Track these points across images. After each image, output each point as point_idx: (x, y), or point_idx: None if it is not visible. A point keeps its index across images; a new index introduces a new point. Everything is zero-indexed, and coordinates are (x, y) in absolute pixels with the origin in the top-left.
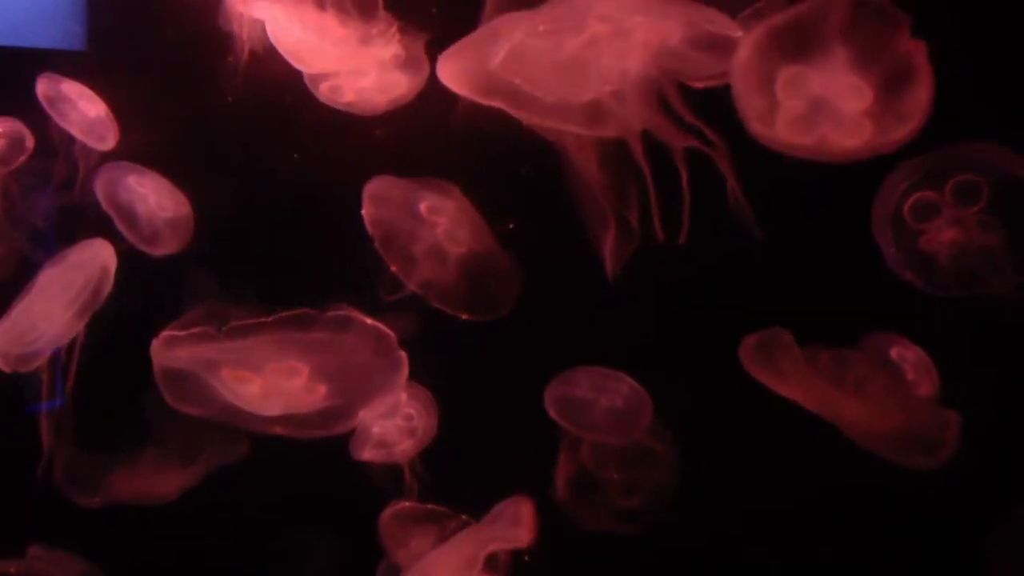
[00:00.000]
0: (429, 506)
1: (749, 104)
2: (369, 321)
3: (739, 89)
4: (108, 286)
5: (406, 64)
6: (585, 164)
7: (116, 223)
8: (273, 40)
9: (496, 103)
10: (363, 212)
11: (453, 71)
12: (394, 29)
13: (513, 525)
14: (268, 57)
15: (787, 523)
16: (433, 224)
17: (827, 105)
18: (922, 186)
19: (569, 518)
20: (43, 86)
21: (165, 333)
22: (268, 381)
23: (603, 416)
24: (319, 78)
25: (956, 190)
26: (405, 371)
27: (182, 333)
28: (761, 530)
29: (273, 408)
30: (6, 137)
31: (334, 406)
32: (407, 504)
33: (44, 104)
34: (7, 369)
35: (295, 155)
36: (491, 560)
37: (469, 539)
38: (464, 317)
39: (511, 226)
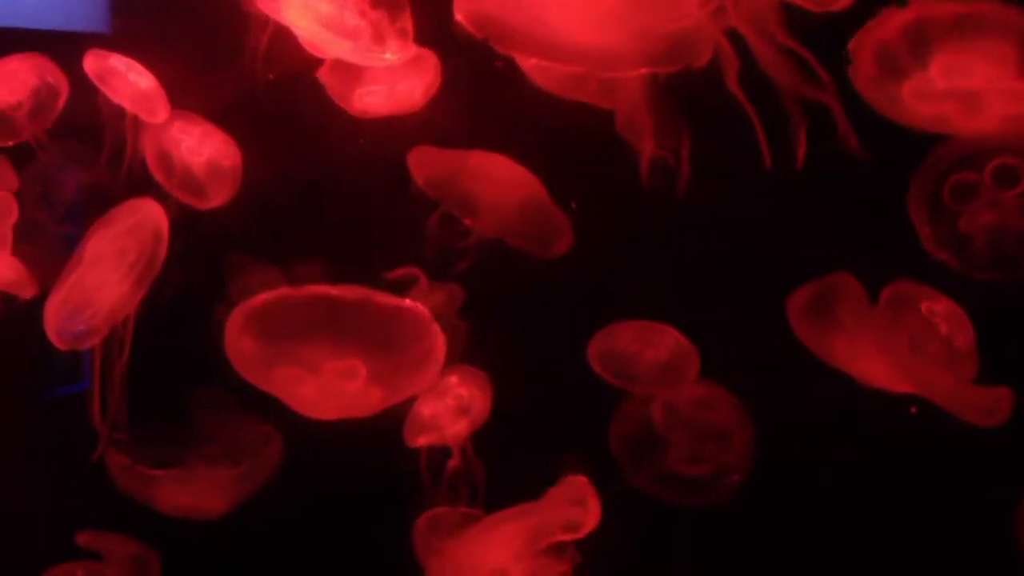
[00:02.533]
0: (464, 511)
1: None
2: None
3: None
4: (163, 251)
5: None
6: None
7: (160, 177)
8: (290, 25)
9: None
10: (415, 177)
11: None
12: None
13: (577, 509)
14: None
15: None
16: (484, 176)
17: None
18: (961, 168)
19: (621, 477)
20: (91, 61)
21: (233, 312)
22: (324, 382)
23: (648, 369)
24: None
25: (996, 173)
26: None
27: (249, 304)
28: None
29: (327, 413)
30: (40, 81)
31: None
32: (442, 510)
33: (94, 79)
34: (63, 347)
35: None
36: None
37: (527, 522)
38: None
39: (572, 205)
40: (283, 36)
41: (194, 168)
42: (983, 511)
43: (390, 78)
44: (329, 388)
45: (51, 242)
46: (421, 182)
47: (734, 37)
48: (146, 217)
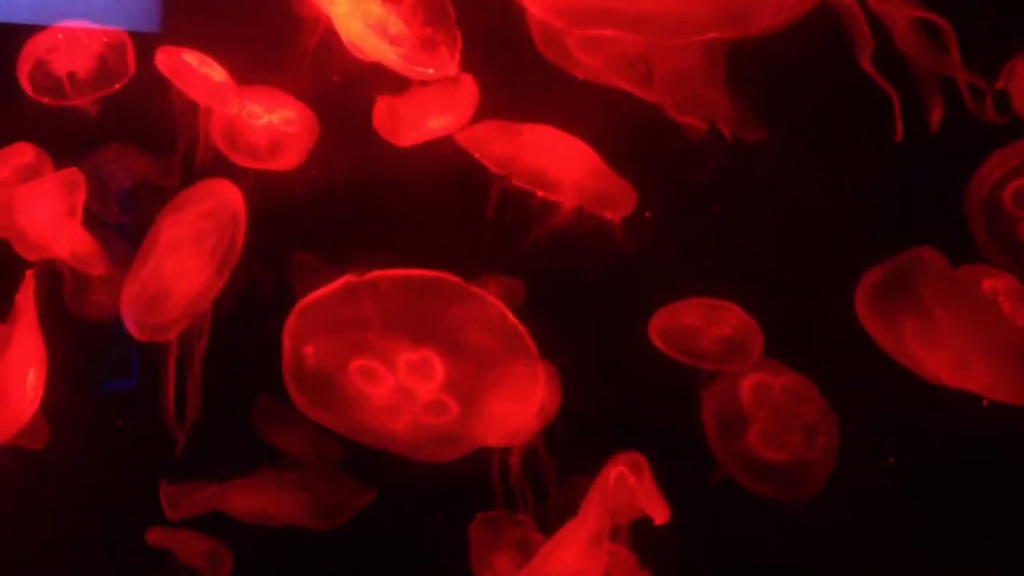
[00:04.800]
0: (517, 517)
1: None
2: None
3: None
4: (241, 237)
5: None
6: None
7: (232, 153)
8: (338, 28)
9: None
10: (477, 155)
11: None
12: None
13: (638, 492)
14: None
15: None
16: (546, 146)
17: None
18: (1020, 174)
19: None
20: (164, 56)
21: (304, 302)
22: (399, 380)
23: (712, 344)
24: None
25: None
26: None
27: (322, 293)
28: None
29: (399, 424)
30: (108, 48)
31: (461, 433)
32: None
33: (167, 74)
34: (143, 339)
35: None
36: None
37: (589, 516)
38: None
39: (647, 214)
40: (330, 40)
41: (263, 132)
42: None
43: (432, 111)
44: (402, 389)
45: (106, 234)
46: (488, 161)
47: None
48: (223, 199)
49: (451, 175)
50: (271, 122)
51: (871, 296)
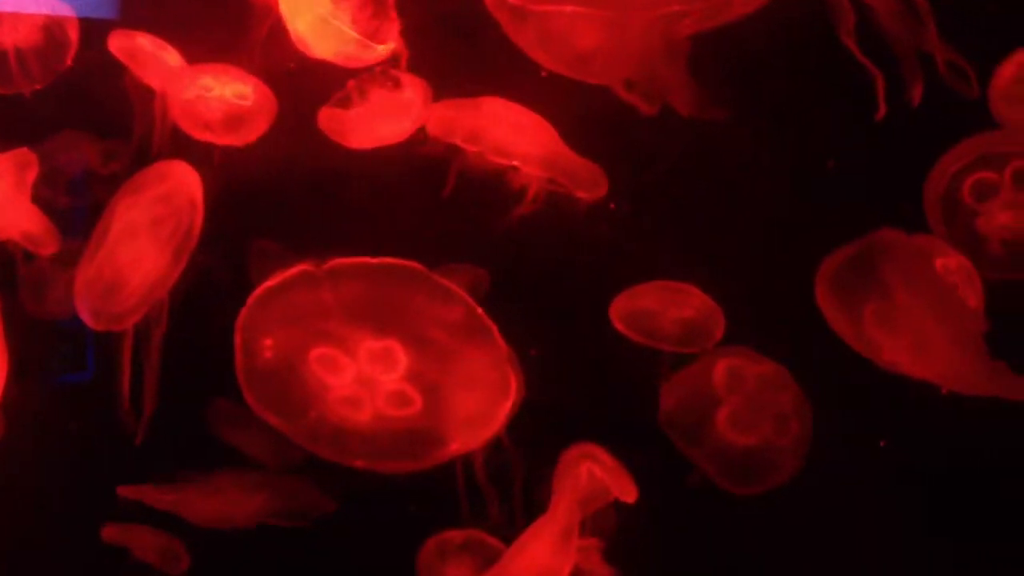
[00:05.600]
0: (471, 534)
1: None
2: (492, 326)
3: None
4: (199, 221)
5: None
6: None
7: (194, 131)
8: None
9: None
10: (441, 137)
11: None
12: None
13: (607, 482)
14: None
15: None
16: (512, 120)
17: None
18: (980, 168)
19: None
20: (118, 40)
21: (259, 291)
22: (361, 369)
23: (673, 326)
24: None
25: (1016, 174)
26: (512, 399)
27: (278, 280)
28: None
29: (361, 416)
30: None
31: (424, 428)
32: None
33: (122, 58)
34: (99, 328)
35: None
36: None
37: (559, 511)
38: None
39: (612, 207)
40: (279, 31)
41: (217, 105)
42: None
43: (382, 114)
44: (364, 379)
45: (59, 220)
46: (456, 139)
47: None
48: (179, 182)
49: (414, 162)
50: (223, 95)
51: (831, 280)
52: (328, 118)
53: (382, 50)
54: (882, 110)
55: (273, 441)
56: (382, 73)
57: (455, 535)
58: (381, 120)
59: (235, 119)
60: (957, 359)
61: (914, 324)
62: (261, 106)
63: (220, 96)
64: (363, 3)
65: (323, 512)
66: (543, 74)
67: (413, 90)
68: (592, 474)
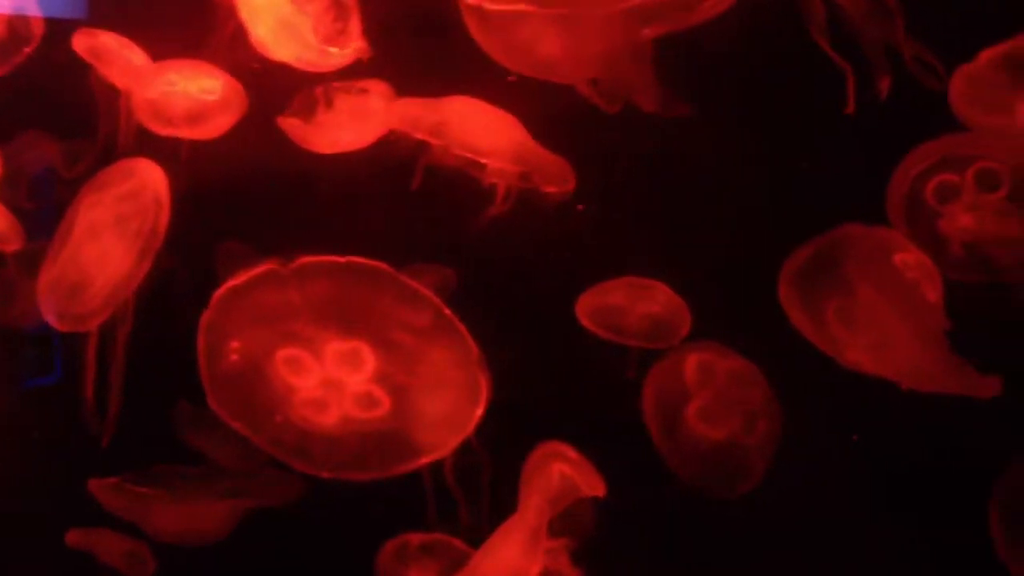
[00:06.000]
0: (430, 536)
1: None
2: (461, 326)
3: None
4: (165, 219)
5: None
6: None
7: (158, 127)
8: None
9: None
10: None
11: None
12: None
13: (576, 480)
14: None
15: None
16: (477, 116)
17: None
18: (942, 169)
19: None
20: (81, 39)
21: (223, 289)
22: (328, 371)
23: (640, 322)
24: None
25: (978, 176)
26: (482, 401)
27: (244, 279)
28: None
29: (328, 418)
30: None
31: (393, 430)
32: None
33: (86, 56)
34: (64, 329)
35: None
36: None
37: (529, 512)
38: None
39: (580, 208)
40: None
41: (181, 100)
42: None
43: (348, 124)
44: (330, 381)
45: (21, 221)
46: (420, 132)
47: None
48: (144, 180)
49: (383, 161)
50: (188, 90)
51: (794, 279)
52: (293, 127)
53: (342, 57)
54: (851, 106)
55: (239, 444)
56: (348, 84)
57: (414, 538)
58: (346, 129)
59: (201, 114)
60: (920, 355)
61: (877, 320)
62: (229, 101)
63: (185, 91)
64: (326, 7)
65: (290, 515)
66: (511, 79)
67: (379, 98)
68: (561, 473)
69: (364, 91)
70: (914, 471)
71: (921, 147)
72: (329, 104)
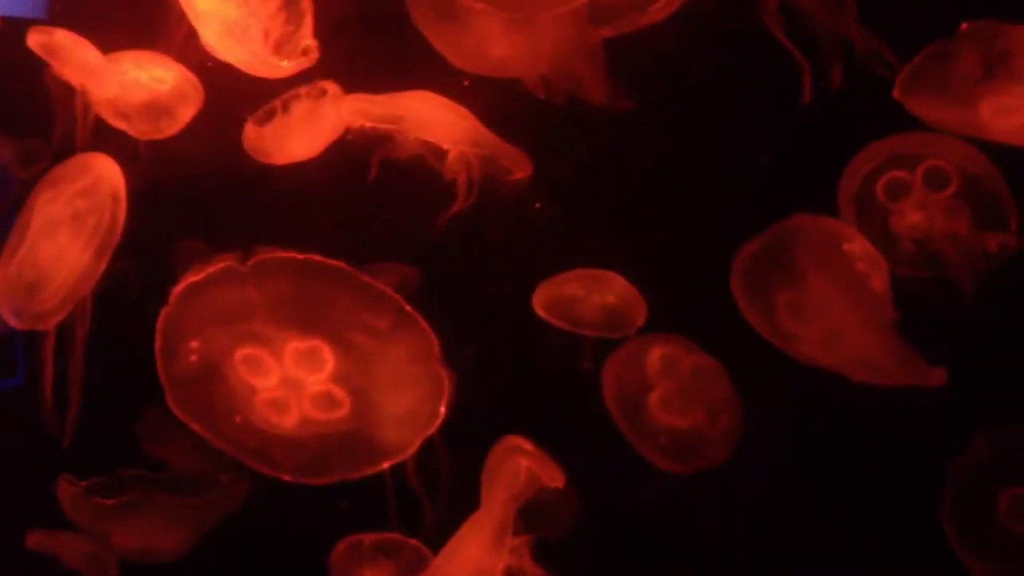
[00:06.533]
0: (385, 536)
1: None
2: (422, 323)
3: None
4: (122, 215)
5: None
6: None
7: (118, 122)
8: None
9: None
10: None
11: None
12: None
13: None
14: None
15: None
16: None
17: None
18: (892, 168)
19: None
20: (36, 36)
21: (182, 284)
22: (287, 371)
23: (595, 313)
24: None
25: (927, 174)
26: (446, 398)
27: (201, 276)
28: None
29: (287, 420)
30: None
31: (355, 432)
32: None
33: (41, 54)
34: (22, 328)
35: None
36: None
37: (488, 508)
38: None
39: (538, 206)
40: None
41: (134, 90)
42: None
43: (299, 133)
44: (290, 381)
45: None
46: (375, 121)
47: None
48: (101, 175)
49: (342, 158)
50: (139, 79)
51: (745, 270)
52: (251, 134)
53: (288, 67)
54: (808, 95)
55: (200, 454)
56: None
57: (367, 537)
58: (301, 140)
59: (156, 106)
60: (869, 345)
61: (827, 310)
62: (184, 94)
63: (136, 79)
64: (276, 10)
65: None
66: (465, 83)
67: (332, 106)
68: (523, 467)
69: (322, 93)
70: (866, 463)
71: (870, 146)
72: (286, 112)
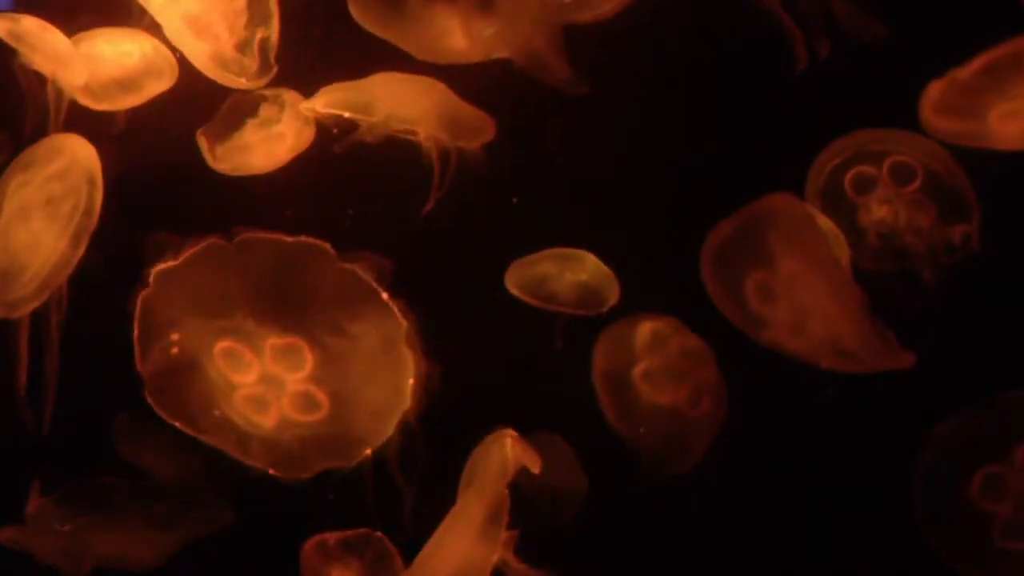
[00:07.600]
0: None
1: None
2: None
3: None
4: (99, 199)
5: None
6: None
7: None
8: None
9: None
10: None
11: None
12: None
13: (518, 459)
14: None
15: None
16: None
17: None
18: (857, 163)
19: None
20: (2, 23)
21: (159, 267)
22: (266, 368)
23: (569, 291)
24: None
25: (893, 169)
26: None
27: (179, 260)
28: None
29: (266, 420)
30: None
31: (334, 428)
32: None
33: (9, 40)
34: None
35: None
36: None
37: (476, 501)
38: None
39: (514, 200)
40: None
41: (110, 67)
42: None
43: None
44: (270, 378)
45: None
46: (346, 110)
47: None
48: (75, 157)
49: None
50: (104, 53)
51: (717, 252)
52: (204, 144)
53: (245, 84)
54: (802, 61)
55: (176, 458)
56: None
57: (331, 536)
58: (258, 158)
59: (128, 80)
60: (840, 324)
61: (798, 290)
62: (156, 67)
63: (101, 54)
64: (238, 11)
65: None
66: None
67: (291, 119)
68: (510, 457)
69: (279, 107)
70: (835, 448)
71: (835, 142)
72: (240, 131)
